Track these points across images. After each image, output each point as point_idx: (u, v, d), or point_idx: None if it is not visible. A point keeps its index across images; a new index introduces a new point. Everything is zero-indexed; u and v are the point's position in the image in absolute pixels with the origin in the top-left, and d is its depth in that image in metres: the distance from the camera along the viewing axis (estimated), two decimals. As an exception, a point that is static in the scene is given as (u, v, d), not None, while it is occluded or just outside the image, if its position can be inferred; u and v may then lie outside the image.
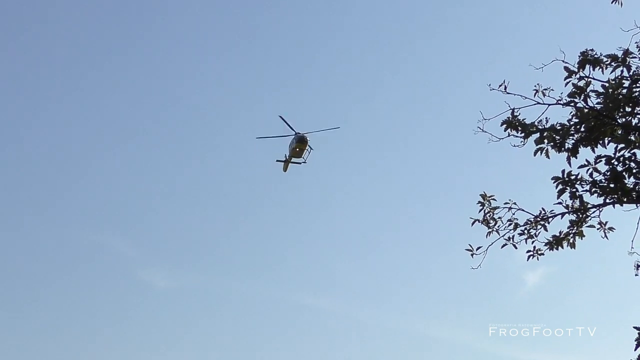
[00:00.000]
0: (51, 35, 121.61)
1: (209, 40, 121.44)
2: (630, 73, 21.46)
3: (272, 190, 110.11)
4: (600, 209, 22.62)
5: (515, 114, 22.54)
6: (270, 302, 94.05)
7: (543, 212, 23.06)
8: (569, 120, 22.30)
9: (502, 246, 23.29)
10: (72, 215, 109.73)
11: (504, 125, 22.64)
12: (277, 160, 75.05)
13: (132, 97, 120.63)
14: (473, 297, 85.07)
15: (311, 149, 73.11)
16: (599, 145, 22.11)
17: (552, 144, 22.35)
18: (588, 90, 21.97)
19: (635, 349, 20.02)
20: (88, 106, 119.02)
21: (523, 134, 22.60)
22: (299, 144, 73.13)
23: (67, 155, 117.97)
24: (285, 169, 75.46)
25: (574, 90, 22.06)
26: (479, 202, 23.50)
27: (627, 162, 21.79)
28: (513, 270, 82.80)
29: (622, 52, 21.74)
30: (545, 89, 22.63)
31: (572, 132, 22.19)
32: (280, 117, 73.10)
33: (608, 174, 21.86)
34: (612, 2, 23.01)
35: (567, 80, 22.17)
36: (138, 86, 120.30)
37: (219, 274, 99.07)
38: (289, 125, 72.90)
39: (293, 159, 74.12)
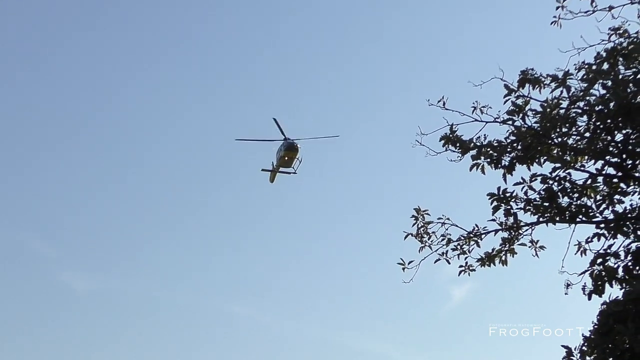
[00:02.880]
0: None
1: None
2: (570, 94, 21.71)
3: (200, 194, 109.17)
4: (533, 227, 22.83)
5: (453, 129, 22.62)
6: (195, 309, 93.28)
7: (476, 228, 23.17)
8: (506, 138, 22.50)
9: (435, 261, 23.35)
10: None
11: (442, 141, 22.70)
12: (263, 170, 66.90)
13: (59, 96, 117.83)
14: (400, 311, 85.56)
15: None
16: (534, 164, 22.33)
17: (488, 160, 22.50)
18: (526, 109, 22.18)
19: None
20: (11, 103, 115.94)
21: (460, 150, 22.70)
22: (288, 152, 64.57)
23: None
24: (272, 180, 67.08)
25: (512, 108, 22.25)
26: (413, 216, 23.52)
27: (562, 181, 22.06)
28: (440, 284, 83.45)
29: (562, 73, 22.02)
30: (484, 107, 22.81)
31: (509, 149, 22.36)
32: (274, 120, 64.79)
33: (543, 192, 22.08)
34: (551, 24, 23.28)
35: (507, 98, 22.36)
36: (64, 85, 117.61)
37: (142, 278, 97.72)
38: (280, 130, 64.60)
39: (281, 169, 65.80)
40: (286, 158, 64.50)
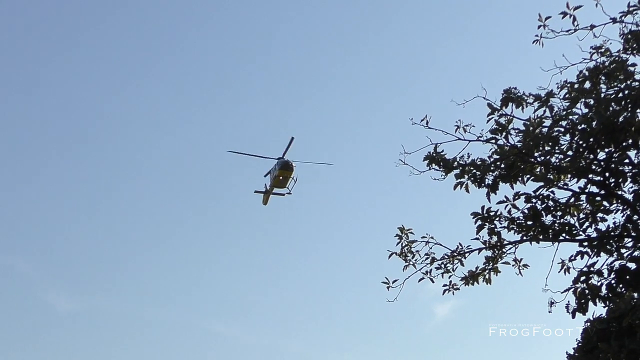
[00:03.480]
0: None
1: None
2: (553, 113, 21.81)
3: (184, 214, 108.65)
4: (517, 246, 22.88)
5: (437, 149, 22.66)
6: (179, 328, 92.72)
7: (460, 247, 23.22)
8: (489, 157, 22.55)
9: (420, 280, 23.37)
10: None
11: (426, 160, 22.73)
12: (256, 191, 62.79)
13: (42, 111, 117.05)
14: (384, 329, 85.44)
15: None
16: (518, 182, 22.40)
17: (472, 179, 22.55)
18: (509, 128, 22.26)
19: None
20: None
21: (444, 169, 22.75)
22: (283, 171, 60.01)
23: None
24: (265, 202, 62.76)
25: (495, 127, 22.32)
26: (397, 235, 23.54)
27: (545, 200, 22.13)
28: (423, 302, 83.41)
29: (544, 91, 22.10)
30: (467, 125, 22.87)
31: (492, 168, 22.42)
32: (292, 138, 60.07)
33: (527, 211, 22.14)
34: (533, 42, 23.35)
35: (490, 117, 22.43)
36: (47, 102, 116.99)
37: (126, 298, 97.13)
38: (286, 149, 60.17)
39: (275, 190, 61.40)
40: (281, 177, 60.18)
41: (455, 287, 23.36)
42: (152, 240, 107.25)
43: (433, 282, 23.23)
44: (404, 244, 23.48)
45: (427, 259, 23.33)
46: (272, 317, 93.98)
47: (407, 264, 23.41)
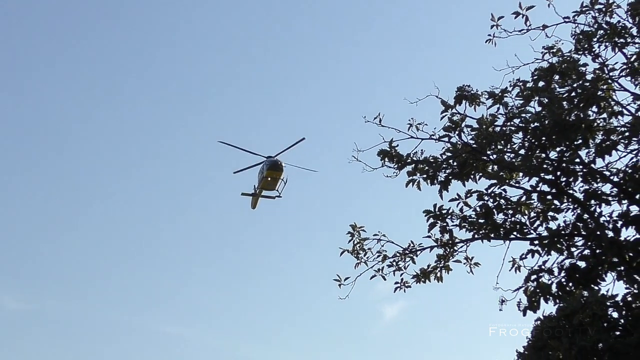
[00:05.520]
0: None
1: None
2: (506, 111, 21.87)
3: (136, 215, 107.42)
4: (468, 244, 22.91)
5: (392, 144, 22.61)
6: (126, 328, 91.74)
7: (412, 244, 23.18)
8: (442, 154, 22.55)
9: (372, 277, 23.30)
10: None
11: (381, 155, 22.66)
12: (243, 194, 57.79)
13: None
14: (334, 329, 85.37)
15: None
16: (470, 180, 22.42)
17: (424, 176, 22.52)
18: (463, 126, 22.27)
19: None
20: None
21: (397, 165, 22.69)
22: (272, 172, 55.60)
23: None
24: (253, 206, 58.44)
25: (449, 124, 22.32)
26: (349, 232, 23.45)
27: (497, 198, 22.17)
28: (372, 302, 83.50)
29: (497, 90, 22.17)
30: (420, 124, 22.84)
31: (444, 166, 22.42)
32: (303, 139, 55.59)
33: (479, 209, 22.16)
34: (486, 42, 23.45)
35: (443, 114, 22.43)
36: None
37: (76, 299, 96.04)
38: (291, 146, 55.59)
39: (264, 192, 56.95)
40: (269, 179, 55.70)
41: (407, 284, 23.33)
42: (101, 241, 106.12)
43: (385, 279, 23.23)
44: (355, 242, 23.39)
45: (379, 256, 23.28)
46: (219, 318, 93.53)
47: (358, 261, 23.32)
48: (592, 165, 21.58)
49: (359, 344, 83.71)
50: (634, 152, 21.72)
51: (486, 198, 22.12)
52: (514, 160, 22.10)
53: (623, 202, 21.77)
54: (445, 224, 22.50)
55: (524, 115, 21.67)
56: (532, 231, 22.35)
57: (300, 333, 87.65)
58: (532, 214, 22.40)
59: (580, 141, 21.12)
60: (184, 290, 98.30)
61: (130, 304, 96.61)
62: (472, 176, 22.38)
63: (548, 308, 21.37)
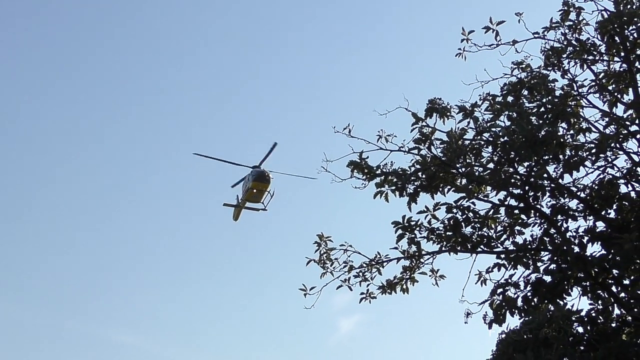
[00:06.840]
0: None
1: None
2: (476, 125, 21.98)
3: (88, 220, 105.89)
4: (435, 256, 22.97)
5: (362, 156, 22.61)
6: (82, 337, 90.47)
7: (378, 255, 23.20)
8: (410, 167, 22.59)
9: (338, 287, 23.29)
10: None
11: (351, 166, 22.66)
12: (225, 204, 54.83)
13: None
14: (289, 341, 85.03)
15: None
16: (438, 193, 22.50)
17: (393, 188, 22.55)
18: (432, 138, 22.33)
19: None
20: None
21: (366, 177, 22.71)
22: (257, 183, 52.40)
23: None
24: (235, 218, 55.24)
25: (419, 137, 22.37)
26: (316, 242, 23.41)
27: (465, 211, 22.28)
28: (329, 315, 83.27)
29: (467, 104, 22.29)
30: (389, 135, 22.85)
31: (413, 178, 22.46)
32: (275, 144, 52.78)
33: (447, 221, 22.25)
34: (456, 56, 23.60)
35: (414, 126, 22.48)
36: None
37: (28, 305, 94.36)
38: (266, 155, 52.88)
39: (248, 204, 53.86)
40: (254, 190, 52.49)
41: (372, 295, 23.33)
42: (56, 246, 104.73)
43: (351, 289, 23.19)
44: (322, 252, 23.36)
45: (345, 266, 23.26)
46: (176, 327, 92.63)
47: (325, 271, 23.29)
48: (560, 180, 21.77)
49: (315, 356, 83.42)
50: (601, 169, 22.00)
51: (455, 211, 22.23)
52: (482, 174, 22.22)
53: (589, 218, 22.04)
54: (413, 235, 22.55)
55: (493, 129, 21.79)
56: (499, 245, 22.52)
57: (257, 343, 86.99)
58: (500, 228, 22.57)
59: (548, 157, 21.28)
60: (139, 299, 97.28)
61: (87, 314, 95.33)
62: (440, 189, 22.46)
63: (513, 322, 21.42)
